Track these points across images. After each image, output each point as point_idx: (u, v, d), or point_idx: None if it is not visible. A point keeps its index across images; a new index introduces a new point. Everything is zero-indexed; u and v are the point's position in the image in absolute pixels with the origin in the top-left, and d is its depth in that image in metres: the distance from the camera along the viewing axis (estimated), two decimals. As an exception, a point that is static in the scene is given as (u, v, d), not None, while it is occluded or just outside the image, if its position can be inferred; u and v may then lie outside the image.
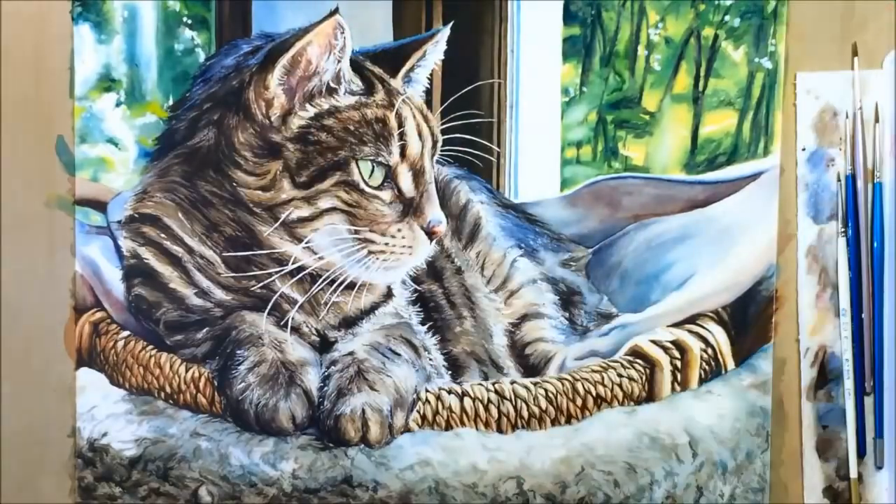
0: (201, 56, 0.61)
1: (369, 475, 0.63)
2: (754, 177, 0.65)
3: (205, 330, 0.62)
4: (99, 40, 0.60)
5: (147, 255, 0.62)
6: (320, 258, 0.60)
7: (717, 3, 0.63)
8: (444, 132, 0.62)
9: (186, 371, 0.63)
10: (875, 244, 0.65)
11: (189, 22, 0.61)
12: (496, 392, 0.64)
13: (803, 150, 0.65)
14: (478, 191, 0.64)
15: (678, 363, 0.65)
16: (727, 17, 0.64)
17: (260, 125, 0.59)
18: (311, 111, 0.59)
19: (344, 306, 0.63)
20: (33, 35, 0.60)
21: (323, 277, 0.61)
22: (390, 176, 0.60)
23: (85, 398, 0.62)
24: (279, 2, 0.61)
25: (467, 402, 0.63)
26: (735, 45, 0.64)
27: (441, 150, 0.62)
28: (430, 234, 0.61)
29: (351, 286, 0.61)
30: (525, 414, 0.64)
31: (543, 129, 0.63)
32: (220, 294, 0.62)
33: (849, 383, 0.65)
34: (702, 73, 0.64)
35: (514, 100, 0.63)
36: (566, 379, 0.64)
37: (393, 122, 0.60)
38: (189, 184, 0.61)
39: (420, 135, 0.61)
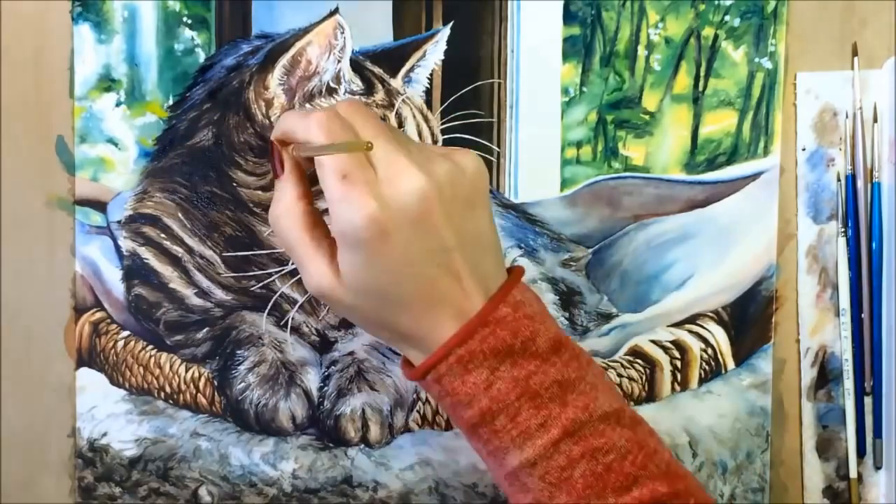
0: (201, 56, 0.61)
1: (369, 475, 0.63)
2: (754, 177, 0.65)
3: (205, 330, 0.62)
4: (99, 40, 0.60)
5: (147, 255, 0.62)
6: (320, 258, 0.60)
7: (717, 3, 0.63)
8: (444, 132, 0.62)
9: (186, 371, 0.63)
10: (874, 244, 0.65)
11: (189, 22, 0.60)
12: (496, 392, 0.63)
13: (803, 150, 0.65)
14: (478, 191, 0.64)
15: (678, 363, 0.65)
16: (727, 17, 0.64)
17: (260, 125, 0.59)
18: (311, 111, 0.58)
19: (344, 306, 0.63)
20: (33, 35, 0.60)
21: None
22: (390, 176, 0.60)
23: (85, 398, 0.62)
24: (279, 2, 0.61)
25: (467, 402, 0.62)
26: (735, 45, 0.64)
27: (441, 150, 0.62)
28: (430, 234, 0.61)
29: (351, 286, 0.61)
30: (525, 414, 0.64)
31: (543, 129, 0.63)
32: (220, 294, 0.62)
33: (848, 383, 0.65)
34: (702, 73, 0.64)
35: (514, 100, 0.63)
36: (566, 379, 0.64)
37: (393, 122, 0.60)
38: (189, 184, 0.61)
39: (420, 135, 0.61)
